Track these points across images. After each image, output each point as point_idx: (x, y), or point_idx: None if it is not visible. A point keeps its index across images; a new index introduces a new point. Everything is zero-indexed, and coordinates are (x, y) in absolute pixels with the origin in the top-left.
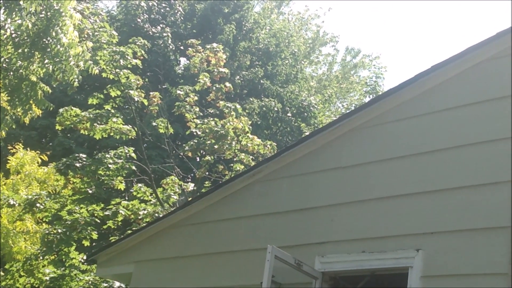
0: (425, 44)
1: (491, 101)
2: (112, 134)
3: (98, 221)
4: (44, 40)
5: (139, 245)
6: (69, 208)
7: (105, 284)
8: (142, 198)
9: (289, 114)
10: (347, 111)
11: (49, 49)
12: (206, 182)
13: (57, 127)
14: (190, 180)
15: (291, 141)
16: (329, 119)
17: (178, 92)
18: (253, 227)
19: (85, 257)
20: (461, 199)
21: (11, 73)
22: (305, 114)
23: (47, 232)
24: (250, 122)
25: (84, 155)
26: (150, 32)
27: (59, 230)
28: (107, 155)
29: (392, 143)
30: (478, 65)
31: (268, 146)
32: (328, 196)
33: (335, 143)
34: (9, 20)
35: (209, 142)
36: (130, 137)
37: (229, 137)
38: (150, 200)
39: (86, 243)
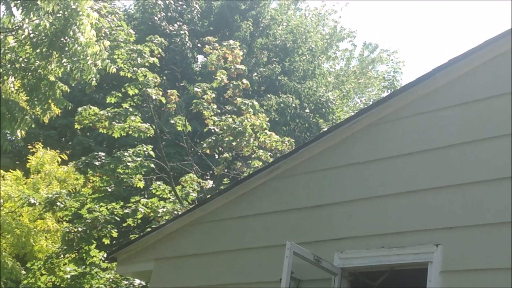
0: (443, 37)
1: (509, 95)
2: (130, 132)
3: (118, 219)
4: (62, 39)
5: (159, 242)
6: (89, 206)
7: (126, 282)
8: (161, 195)
9: (307, 110)
10: (365, 107)
11: (67, 48)
12: (225, 179)
13: (76, 126)
14: (208, 177)
15: (309, 137)
16: (347, 114)
17: (196, 89)
18: (271, 223)
19: (105, 255)
20: (480, 194)
21: (30, 73)
22: (323, 110)
23: (67, 230)
24: (267, 119)
25: (103, 154)
26: (167, 30)
27: (79, 229)
28: (125, 153)
29: (410, 138)
30: (495, 59)
31: (286, 142)
32: (346, 192)
33: (353, 139)
34: (27, 20)
35: (227, 139)
36: (148, 135)
37: (247, 134)
38: (169, 198)
39: (106, 241)
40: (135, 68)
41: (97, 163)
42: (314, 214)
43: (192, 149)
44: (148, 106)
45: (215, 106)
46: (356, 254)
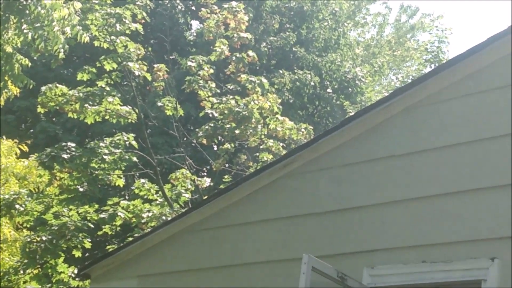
0: None
1: None
2: (107, 117)
3: (92, 226)
4: (22, 0)
5: (143, 255)
6: (56, 210)
7: None
8: (145, 196)
9: (329, 90)
10: (402, 85)
11: (27, 12)
12: (226, 177)
13: (39, 109)
14: (205, 174)
15: (331, 123)
16: (380, 95)
17: (189, 63)
18: (284, 232)
19: (76, 271)
20: None
21: None
22: (349, 89)
23: (28, 240)
24: (279, 101)
25: (73, 144)
26: None
27: (44, 238)
28: (101, 144)
29: (459, 125)
30: None
31: (302, 130)
32: (379, 193)
33: (387, 126)
34: None
35: (228, 126)
36: (130, 121)
37: (253, 120)
38: (156, 200)
39: (77, 253)
40: (113, 37)
41: (65, 156)
42: (338, 220)
43: (185, 138)
44: (129, 85)
45: (213, 85)
46: (390, 270)
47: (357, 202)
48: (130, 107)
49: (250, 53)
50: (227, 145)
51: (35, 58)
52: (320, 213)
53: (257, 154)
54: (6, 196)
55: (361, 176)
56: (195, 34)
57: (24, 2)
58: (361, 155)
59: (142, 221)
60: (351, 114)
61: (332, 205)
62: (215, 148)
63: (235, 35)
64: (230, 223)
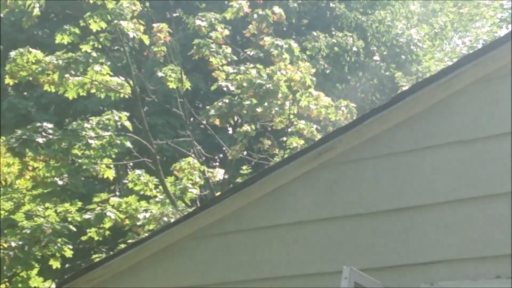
0: None
1: None
2: (93, 91)
3: (74, 229)
4: None
5: (139, 267)
6: (28, 209)
7: None
8: (142, 192)
9: (376, 58)
10: (471, 52)
11: None
12: (244, 167)
13: (7, 80)
14: (217, 164)
15: (379, 100)
16: (441, 64)
17: (198, 23)
18: (318, 238)
19: (53, 286)
20: None
21: None
22: (402, 56)
23: None
24: (313, 71)
25: (50, 125)
26: None
27: (13, 244)
28: (86, 125)
29: None
30: None
31: (343, 109)
32: (440, 188)
33: (451, 103)
34: None
35: (248, 102)
36: (122, 95)
37: (280, 95)
38: (155, 196)
39: (55, 263)
40: None
41: (40, 140)
42: (388, 223)
43: (192, 118)
44: (122, 50)
45: (229, 50)
46: (455, 286)
47: (412, 200)
48: (123, 78)
49: (276, 9)
50: (246, 127)
51: (2, 15)
52: (364, 214)
53: (285, 138)
54: None
55: (418, 168)
56: None
57: None
58: (417, 140)
59: (138, 223)
60: (404, 88)
61: (380, 204)
62: (231, 131)
63: None
64: (249, 227)
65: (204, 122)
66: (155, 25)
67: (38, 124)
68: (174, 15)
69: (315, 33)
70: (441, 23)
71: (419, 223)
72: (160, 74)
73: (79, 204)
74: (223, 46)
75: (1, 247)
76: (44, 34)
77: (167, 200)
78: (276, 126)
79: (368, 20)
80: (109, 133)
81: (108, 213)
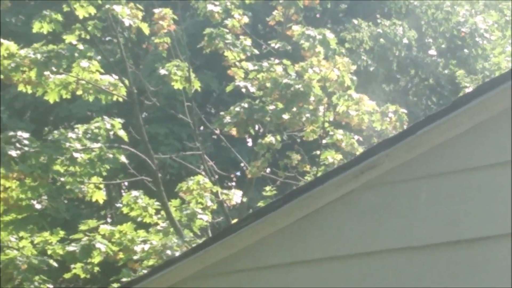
0: None
1: None
2: (80, 93)
3: (55, 264)
4: None
5: None
6: None
7: None
8: (140, 219)
9: (432, 52)
10: None
11: None
12: (267, 188)
13: None
14: (234, 183)
15: (435, 105)
16: None
17: (210, 8)
18: (360, 276)
19: None
20: None
21: None
22: (465, 51)
23: None
24: (354, 68)
25: (26, 135)
26: None
27: None
28: (70, 135)
29: None
30: None
31: (390, 115)
32: None
33: None
34: None
35: (272, 107)
36: (115, 98)
37: (312, 98)
38: (156, 224)
39: None
40: None
41: (13, 153)
42: (447, 258)
43: (202, 127)
44: (115, 42)
45: (248, 42)
46: None
47: (480, 230)
48: (116, 77)
49: None
50: (269, 138)
51: None
52: (418, 247)
53: (318, 152)
54: None
55: (486, 189)
56: None
57: None
58: (484, 155)
59: (134, 257)
60: (468, 89)
61: (437, 234)
62: (250, 143)
63: None
64: (273, 263)
65: (218, 131)
66: (156, 10)
67: (11, 133)
68: None
69: (355, 21)
70: None
71: (486, 258)
72: (162, 71)
73: (61, 233)
74: (241, 37)
75: None
76: (18, 21)
77: (171, 229)
78: (307, 137)
79: (422, 5)
80: (99, 145)
81: (98, 245)
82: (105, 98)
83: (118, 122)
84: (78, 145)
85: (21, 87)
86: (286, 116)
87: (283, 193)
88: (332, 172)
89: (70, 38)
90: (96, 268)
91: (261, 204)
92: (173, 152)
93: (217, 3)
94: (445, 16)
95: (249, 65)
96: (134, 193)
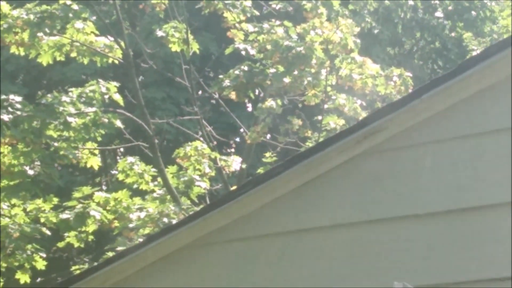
0: None
1: None
2: (74, 55)
3: (48, 232)
4: None
5: (130, 282)
6: None
7: None
8: (136, 186)
9: (438, 14)
10: None
11: None
12: (267, 154)
13: None
14: (233, 149)
15: (441, 68)
16: None
17: None
18: (361, 245)
19: None
20: None
21: None
22: (473, 13)
23: None
24: (357, 30)
25: (19, 99)
26: None
27: None
28: (64, 99)
29: None
30: None
31: (395, 79)
32: None
33: None
34: None
35: (273, 70)
36: (111, 61)
37: (314, 61)
38: (153, 191)
39: (24, 277)
40: None
41: (5, 117)
42: (452, 226)
43: (201, 91)
44: (111, 2)
45: (248, 3)
46: None
47: (486, 197)
48: (112, 39)
49: None
50: (270, 103)
51: None
52: (422, 215)
53: (320, 117)
54: None
55: (495, 155)
56: None
57: None
58: (493, 120)
59: (130, 225)
60: (475, 52)
61: (442, 202)
62: (250, 108)
63: None
64: (273, 231)
65: (216, 95)
66: None
67: (3, 97)
68: None
69: None
70: None
71: (492, 225)
72: (159, 33)
73: (55, 200)
74: None
75: None
76: None
77: (168, 196)
78: (308, 102)
79: None
80: (94, 109)
81: (92, 212)
82: (100, 61)
83: (113, 85)
84: (72, 109)
85: (13, 49)
86: (287, 80)
87: (284, 159)
88: (334, 137)
89: None
90: (91, 237)
91: (260, 170)
92: (171, 117)
93: None
94: None
95: (249, 27)
96: (130, 159)
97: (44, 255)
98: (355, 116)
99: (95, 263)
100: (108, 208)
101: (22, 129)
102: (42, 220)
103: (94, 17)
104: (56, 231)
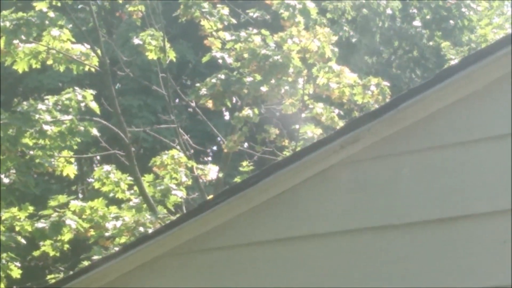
0: None
1: None
2: (50, 62)
3: (23, 241)
4: None
5: None
6: None
7: None
8: (112, 195)
9: (416, 23)
10: None
11: None
12: (244, 163)
13: None
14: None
15: (419, 78)
16: (501, 32)
17: None
18: (339, 256)
19: None
20: None
21: None
22: (451, 22)
23: None
24: (335, 39)
25: None
26: None
27: None
28: (40, 107)
29: None
30: None
31: (372, 88)
32: (501, 194)
33: None
34: None
35: (250, 79)
36: (87, 68)
37: (291, 70)
38: (129, 200)
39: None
40: None
41: None
42: (430, 237)
43: (178, 100)
44: (87, 10)
45: (226, 11)
46: None
47: (463, 208)
48: (89, 46)
49: None
50: (247, 111)
51: None
52: (399, 225)
53: (297, 126)
54: None
55: (470, 166)
56: None
57: None
58: (470, 130)
59: (106, 234)
60: (453, 62)
61: (419, 212)
62: (227, 117)
63: None
64: (250, 241)
65: (193, 104)
66: None
67: None
68: None
69: None
70: None
71: (470, 237)
72: (136, 41)
73: (30, 209)
74: (219, 6)
75: None
76: None
77: (144, 205)
78: (286, 110)
79: None
80: (70, 117)
81: (68, 221)
82: (76, 68)
83: (90, 93)
84: (48, 117)
85: None
86: (264, 89)
87: (261, 168)
88: (311, 147)
89: (41, 5)
90: (66, 246)
91: (237, 179)
92: (147, 125)
93: None
94: None
95: (227, 35)
96: (106, 167)
97: (19, 264)
98: (333, 125)
99: (71, 272)
100: (84, 216)
101: None
102: (17, 228)
103: (71, 25)
104: (32, 240)
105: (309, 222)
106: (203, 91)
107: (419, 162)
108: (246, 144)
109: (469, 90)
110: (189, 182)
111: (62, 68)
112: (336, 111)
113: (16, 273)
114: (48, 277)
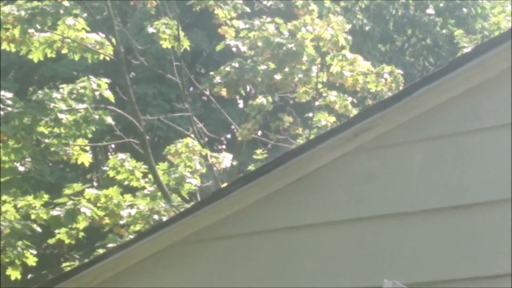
0: None
1: None
2: (65, 51)
3: (39, 229)
4: None
5: (121, 279)
6: None
7: None
8: (127, 183)
9: (429, 11)
10: None
11: None
12: (258, 151)
13: None
14: (224, 146)
15: (433, 65)
16: None
17: None
18: (352, 243)
19: None
20: None
21: None
22: (464, 10)
23: None
24: (349, 27)
25: (9, 95)
26: None
27: None
28: (55, 95)
29: None
30: None
31: (386, 76)
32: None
33: None
34: None
35: (264, 67)
36: (102, 57)
37: (305, 58)
38: (144, 188)
39: (14, 273)
40: None
41: None
42: (443, 225)
43: (192, 88)
44: None
45: (239, 0)
46: None
47: (477, 195)
48: (103, 35)
49: None
50: (260, 100)
51: None
52: (412, 213)
53: (311, 114)
54: None
55: (484, 154)
56: None
57: None
58: (482, 118)
59: (121, 222)
60: (466, 50)
61: (433, 200)
62: (241, 105)
63: None
64: (264, 228)
65: (207, 92)
66: None
67: None
68: None
69: None
70: None
71: (484, 225)
72: (151, 29)
73: (46, 197)
74: None
75: None
76: None
77: (159, 193)
78: (299, 99)
79: None
80: (85, 105)
81: (83, 209)
82: (91, 57)
83: (104, 82)
84: (63, 106)
85: (4, 46)
86: (278, 77)
87: (274, 156)
88: (325, 134)
89: None
90: (81, 234)
91: (251, 167)
92: (161, 114)
93: None
94: None
95: (240, 24)
96: (121, 155)
97: (35, 252)
98: (346, 113)
99: (86, 260)
100: (99, 204)
101: (13, 126)
102: (33, 216)
103: (85, 14)
104: (47, 228)
105: (323, 210)
106: (217, 79)
107: (433, 150)
108: (260, 132)
109: (483, 78)
110: (203, 170)
111: (77, 57)
112: (350, 99)
113: (31, 260)
114: (63, 264)
